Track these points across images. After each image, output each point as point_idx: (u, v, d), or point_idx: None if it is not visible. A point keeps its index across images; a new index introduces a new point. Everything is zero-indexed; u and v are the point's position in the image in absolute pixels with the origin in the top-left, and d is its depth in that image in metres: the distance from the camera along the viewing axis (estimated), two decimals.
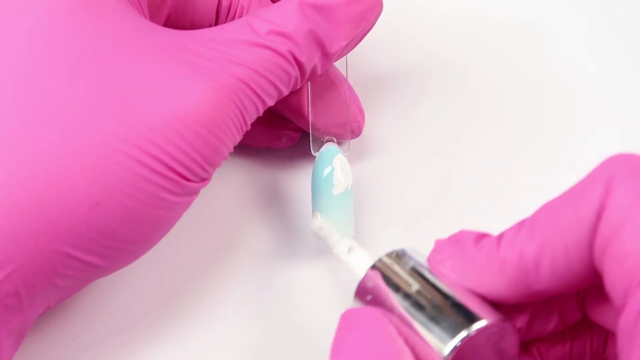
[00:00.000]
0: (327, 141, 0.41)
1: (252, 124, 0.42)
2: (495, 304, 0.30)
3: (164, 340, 0.39)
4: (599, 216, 0.28)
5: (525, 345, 0.32)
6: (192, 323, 0.39)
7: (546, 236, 0.29)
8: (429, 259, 0.31)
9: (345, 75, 0.43)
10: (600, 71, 0.48)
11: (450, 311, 0.29)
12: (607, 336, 0.32)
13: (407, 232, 0.42)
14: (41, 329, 0.38)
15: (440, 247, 0.31)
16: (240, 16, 0.40)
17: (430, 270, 0.31)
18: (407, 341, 0.29)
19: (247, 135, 0.43)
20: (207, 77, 0.34)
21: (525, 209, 0.31)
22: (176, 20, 0.41)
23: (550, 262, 0.29)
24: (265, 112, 0.43)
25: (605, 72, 0.48)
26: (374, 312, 0.30)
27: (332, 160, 0.40)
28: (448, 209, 0.43)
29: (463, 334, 0.29)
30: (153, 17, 0.39)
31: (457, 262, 0.30)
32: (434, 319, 0.29)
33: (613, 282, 0.28)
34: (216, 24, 0.41)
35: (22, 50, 0.33)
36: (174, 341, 0.39)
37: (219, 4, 0.40)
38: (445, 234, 0.33)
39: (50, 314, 0.38)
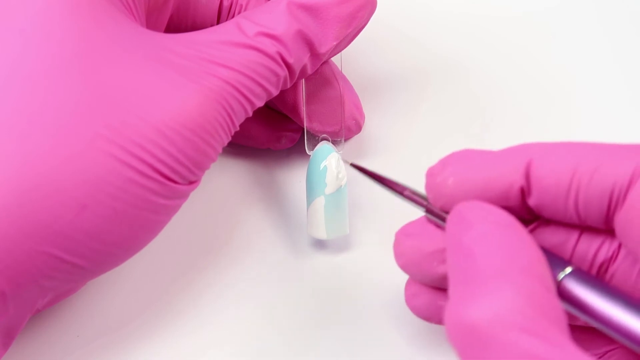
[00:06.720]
0: (322, 140, 0.41)
1: (252, 125, 0.43)
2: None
3: (161, 337, 0.39)
4: None
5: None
6: (190, 319, 0.39)
7: None
8: (428, 175, 0.33)
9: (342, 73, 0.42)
10: (600, 70, 0.47)
11: None
12: None
13: None
14: (38, 326, 0.39)
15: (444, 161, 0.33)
16: None
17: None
18: None
19: (246, 136, 0.43)
20: (193, 81, 0.34)
21: None
22: (178, 22, 0.41)
23: None
24: (264, 114, 0.43)
25: (604, 71, 0.47)
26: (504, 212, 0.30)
27: (326, 159, 0.40)
28: None
29: None
30: (155, 19, 0.40)
31: (461, 165, 0.32)
32: None
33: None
34: (218, 24, 0.41)
35: (12, 53, 0.33)
36: (172, 338, 0.39)
37: (221, 4, 0.41)
38: None
39: (49, 312, 0.39)
